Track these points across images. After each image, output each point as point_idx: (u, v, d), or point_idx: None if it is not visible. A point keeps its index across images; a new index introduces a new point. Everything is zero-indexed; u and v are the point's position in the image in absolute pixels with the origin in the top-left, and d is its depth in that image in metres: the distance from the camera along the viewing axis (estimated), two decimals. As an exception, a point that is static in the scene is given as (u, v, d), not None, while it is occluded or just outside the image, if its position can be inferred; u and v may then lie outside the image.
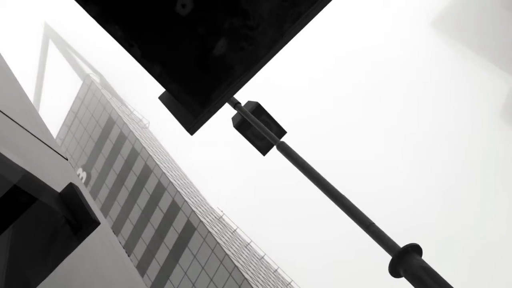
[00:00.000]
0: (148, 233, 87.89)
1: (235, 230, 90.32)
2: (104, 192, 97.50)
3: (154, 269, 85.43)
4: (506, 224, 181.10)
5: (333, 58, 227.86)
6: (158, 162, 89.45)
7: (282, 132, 12.38)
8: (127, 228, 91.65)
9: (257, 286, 76.80)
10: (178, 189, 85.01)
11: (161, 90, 6.74)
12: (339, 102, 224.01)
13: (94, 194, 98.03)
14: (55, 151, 7.65)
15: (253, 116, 12.07)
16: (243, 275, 73.41)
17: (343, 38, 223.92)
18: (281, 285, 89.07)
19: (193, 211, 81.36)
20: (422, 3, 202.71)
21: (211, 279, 76.43)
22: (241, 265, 76.31)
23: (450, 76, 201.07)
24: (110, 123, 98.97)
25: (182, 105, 5.93)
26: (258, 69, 6.03)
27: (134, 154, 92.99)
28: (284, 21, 5.85)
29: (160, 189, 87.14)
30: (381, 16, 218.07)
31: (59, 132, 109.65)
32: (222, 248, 75.86)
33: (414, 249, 6.73)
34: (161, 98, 6.99)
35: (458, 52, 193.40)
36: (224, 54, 5.82)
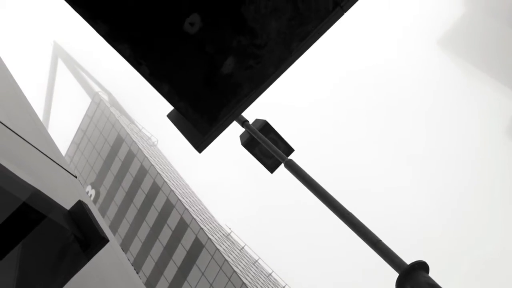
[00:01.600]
0: (157, 250, 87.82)
1: (243, 247, 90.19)
2: (112, 210, 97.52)
3: (162, 286, 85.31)
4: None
5: (340, 76, 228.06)
6: (166, 180, 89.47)
7: (290, 150, 12.39)
8: (136, 245, 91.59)
9: (265, 303, 76.56)
10: (187, 207, 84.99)
11: (170, 108, 6.78)
12: (346, 120, 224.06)
13: (103, 211, 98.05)
14: (64, 168, 7.70)
15: (261, 134, 12.10)
16: (251, 293, 73.19)
17: (351, 56, 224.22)
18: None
19: (201, 228, 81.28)
20: (428, 22, 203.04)
21: (219, 297, 76.30)
22: (249, 282, 76.15)
23: (457, 94, 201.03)
24: (119, 141, 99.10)
25: (190, 123, 5.97)
26: (266, 87, 6.07)
27: (142, 172, 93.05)
28: (292, 40, 5.89)
29: (169, 207, 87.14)
30: (388, 34, 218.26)
31: (68, 150, 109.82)
32: (230, 265, 75.73)
33: (421, 266, 6.75)
34: (170, 116, 7.03)
35: (464, 70, 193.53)
36: (232, 73, 5.86)
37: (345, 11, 5.90)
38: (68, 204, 5.59)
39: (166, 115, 7.05)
